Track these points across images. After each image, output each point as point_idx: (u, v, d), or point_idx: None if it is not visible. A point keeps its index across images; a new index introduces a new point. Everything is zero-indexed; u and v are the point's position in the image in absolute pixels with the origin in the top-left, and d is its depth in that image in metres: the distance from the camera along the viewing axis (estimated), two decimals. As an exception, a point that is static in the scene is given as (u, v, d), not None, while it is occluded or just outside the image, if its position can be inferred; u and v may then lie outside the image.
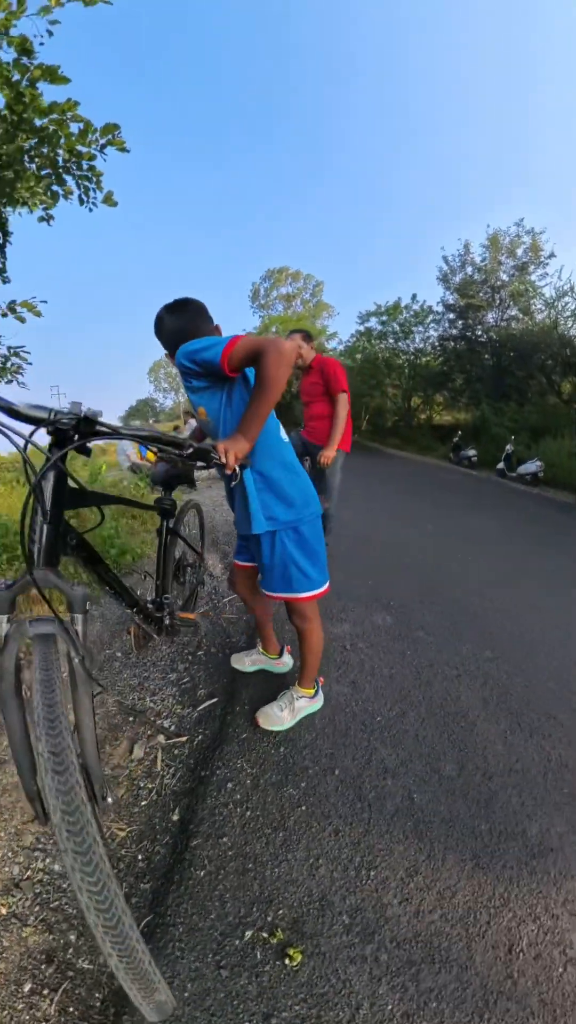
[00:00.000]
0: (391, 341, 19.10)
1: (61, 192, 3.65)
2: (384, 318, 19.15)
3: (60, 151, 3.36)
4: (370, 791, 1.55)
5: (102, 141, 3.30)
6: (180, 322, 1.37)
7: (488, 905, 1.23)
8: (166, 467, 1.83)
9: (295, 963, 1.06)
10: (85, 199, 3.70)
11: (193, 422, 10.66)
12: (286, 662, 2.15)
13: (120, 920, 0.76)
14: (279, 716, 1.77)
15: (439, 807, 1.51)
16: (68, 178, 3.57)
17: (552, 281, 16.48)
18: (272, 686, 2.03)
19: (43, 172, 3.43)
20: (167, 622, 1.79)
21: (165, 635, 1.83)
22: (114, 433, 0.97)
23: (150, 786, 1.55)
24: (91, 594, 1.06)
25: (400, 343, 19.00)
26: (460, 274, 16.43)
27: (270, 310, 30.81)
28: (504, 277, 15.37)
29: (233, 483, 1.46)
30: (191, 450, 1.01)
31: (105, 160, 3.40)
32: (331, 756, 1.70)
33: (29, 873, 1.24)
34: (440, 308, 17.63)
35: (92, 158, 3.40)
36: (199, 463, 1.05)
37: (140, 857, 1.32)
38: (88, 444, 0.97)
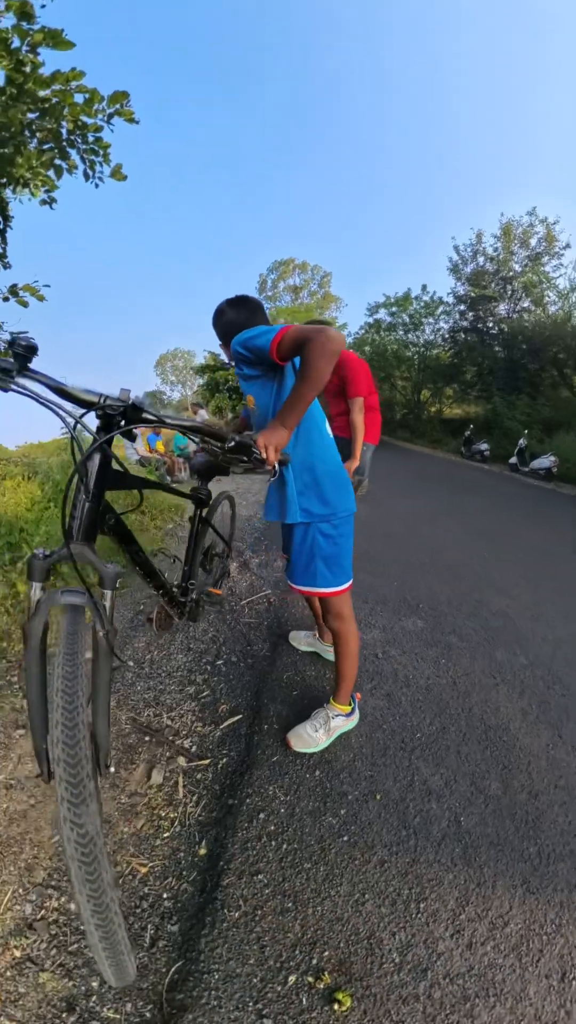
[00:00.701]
0: (400, 333, 18.79)
1: (65, 167, 3.43)
2: (394, 309, 18.80)
3: (64, 123, 3.16)
4: (415, 816, 1.43)
5: (110, 111, 3.08)
6: (239, 315, 1.43)
7: (540, 932, 1.16)
8: (205, 458, 1.82)
9: (345, 1008, 0.98)
10: (91, 174, 3.48)
11: (204, 412, 10.45)
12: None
13: (104, 891, 0.79)
14: (313, 737, 1.61)
15: (487, 829, 1.42)
16: (72, 152, 3.36)
17: (566, 272, 15.97)
18: (301, 701, 1.88)
19: (45, 147, 3.22)
20: (189, 607, 1.83)
21: (187, 619, 1.87)
22: (159, 421, 1.00)
23: (172, 815, 1.38)
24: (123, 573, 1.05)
25: (410, 335, 18.68)
26: (471, 264, 16.06)
27: (277, 302, 30.36)
28: (517, 268, 14.99)
29: (272, 479, 1.40)
30: (233, 443, 1.02)
31: (112, 131, 3.18)
32: (371, 779, 1.55)
33: (43, 912, 1.11)
34: (451, 299, 17.26)
35: (99, 130, 3.17)
36: (241, 457, 1.05)
37: (165, 896, 1.18)
38: (134, 430, 1.00)
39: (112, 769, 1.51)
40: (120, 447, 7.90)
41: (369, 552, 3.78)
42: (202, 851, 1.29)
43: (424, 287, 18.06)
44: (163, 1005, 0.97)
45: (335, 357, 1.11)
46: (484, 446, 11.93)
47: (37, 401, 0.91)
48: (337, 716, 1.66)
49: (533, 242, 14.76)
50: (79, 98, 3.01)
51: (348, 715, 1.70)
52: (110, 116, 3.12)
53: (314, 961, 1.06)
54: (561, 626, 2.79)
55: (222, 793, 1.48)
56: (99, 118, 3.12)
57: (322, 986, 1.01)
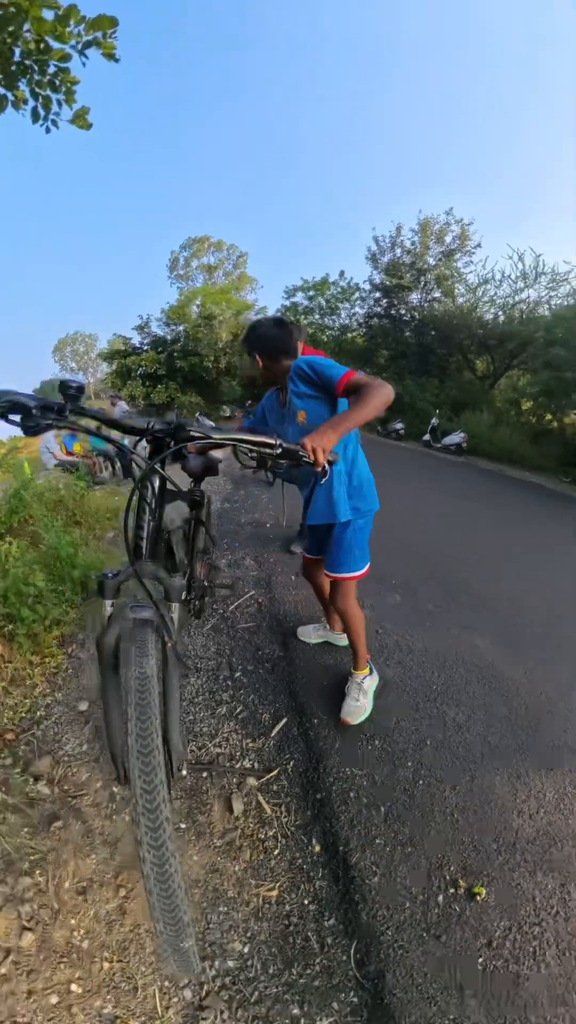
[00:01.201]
0: (317, 316, 19.07)
1: (10, 99, 2.87)
2: (311, 293, 19.08)
3: (18, 44, 2.68)
4: (458, 746, 1.78)
5: (87, 38, 2.57)
6: (280, 334, 1.60)
7: (565, 794, 1.62)
8: (199, 459, 1.88)
9: (483, 896, 1.27)
10: (42, 114, 2.92)
11: (123, 404, 9.74)
12: (345, 641, 2.21)
13: (175, 892, 0.85)
14: (360, 705, 1.84)
15: (508, 740, 1.84)
16: (22, 82, 2.82)
17: (476, 269, 17.37)
18: (333, 685, 2.03)
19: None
20: (195, 605, 1.96)
21: (194, 615, 2.01)
22: (206, 438, 1.05)
23: (271, 833, 1.43)
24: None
25: (326, 319, 19.04)
26: (389, 255, 16.64)
27: (191, 281, 28.67)
28: (431, 261, 15.85)
29: (323, 480, 1.46)
30: (281, 449, 1.08)
31: (84, 64, 2.69)
32: (416, 731, 1.83)
33: (207, 988, 1.07)
34: (367, 286, 17.84)
35: (66, 59, 2.66)
36: (289, 461, 1.12)
37: (307, 902, 1.26)
38: (184, 450, 1.08)
39: (184, 772, 1.60)
40: (33, 447, 7.38)
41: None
42: (316, 848, 1.40)
43: (342, 273, 18.60)
44: (361, 985, 1.09)
45: (387, 404, 1.32)
46: (399, 425, 12.78)
47: (92, 435, 0.97)
48: (365, 679, 1.91)
49: (448, 239, 15.72)
50: (48, 14, 2.48)
51: (371, 674, 1.95)
52: (86, 45, 2.60)
53: (447, 877, 1.31)
54: (508, 574, 3.37)
55: (305, 793, 1.57)
56: (71, 44, 2.60)
57: (462, 890, 1.28)
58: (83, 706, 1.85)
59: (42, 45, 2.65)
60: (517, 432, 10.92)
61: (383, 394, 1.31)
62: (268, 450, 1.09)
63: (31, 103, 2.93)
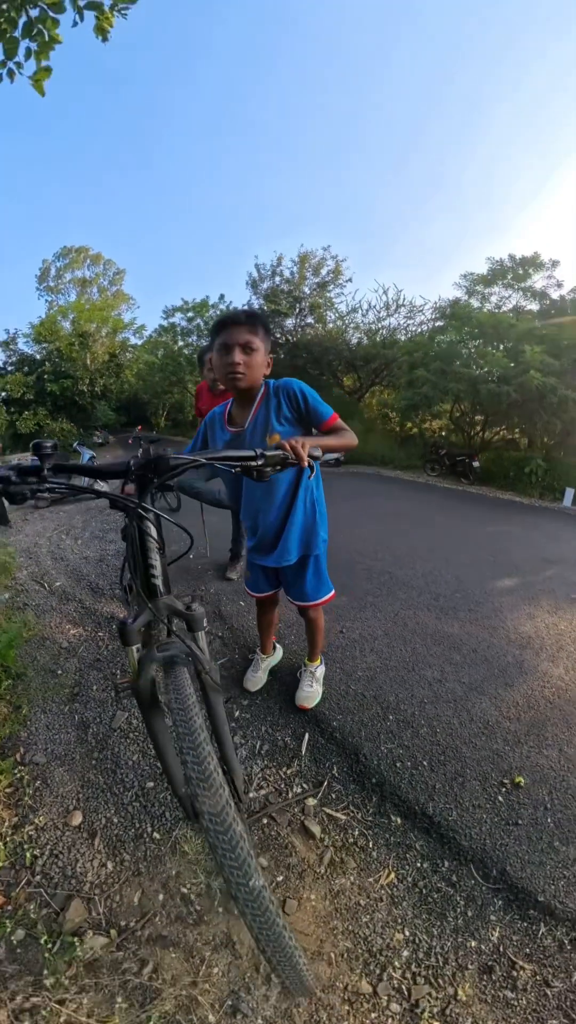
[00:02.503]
0: (194, 338, 19.39)
1: None
2: (191, 315, 19.30)
3: None
4: (447, 693, 2.23)
5: None
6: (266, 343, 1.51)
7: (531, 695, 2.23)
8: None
9: (523, 782, 1.71)
10: (3, 61, 2.49)
11: None
12: (279, 651, 2.43)
13: (267, 909, 0.86)
14: (315, 691, 2.10)
15: (475, 676, 2.41)
16: None
17: (346, 299, 19.37)
18: (340, 686, 2.23)
19: None
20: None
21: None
22: (190, 462, 1.04)
23: (356, 833, 1.54)
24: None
25: (204, 340, 19.41)
26: (268, 282, 17.65)
27: (62, 294, 26.30)
28: (307, 291, 17.27)
29: (310, 476, 1.67)
30: (263, 459, 1.11)
31: (76, 24, 2.37)
32: (413, 696, 2.21)
33: None
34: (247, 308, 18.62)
35: (60, 8, 2.34)
36: (273, 466, 1.14)
37: (420, 864, 1.45)
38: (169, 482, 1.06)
39: (251, 795, 1.64)
40: None
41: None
42: (398, 821, 1.59)
43: (222, 296, 19.26)
44: (496, 891, 1.36)
45: (350, 450, 1.53)
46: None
47: (75, 490, 0.96)
48: (318, 668, 2.18)
49: (324, 272, 17.28)
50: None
51: (321, 664, 2.24)
52: (87, 6, 2.34)
53: (495, 782, 1.71)
54: (405, 551, 3.93)
55: (362, 785, 1.72)
56: None
57: (509, 785, 1.70)
58: (76, 819, 1.57)
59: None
60: (386, 439, 12.56)
61: (354, 442, 1.51)
62: (251, 462, 1.10)
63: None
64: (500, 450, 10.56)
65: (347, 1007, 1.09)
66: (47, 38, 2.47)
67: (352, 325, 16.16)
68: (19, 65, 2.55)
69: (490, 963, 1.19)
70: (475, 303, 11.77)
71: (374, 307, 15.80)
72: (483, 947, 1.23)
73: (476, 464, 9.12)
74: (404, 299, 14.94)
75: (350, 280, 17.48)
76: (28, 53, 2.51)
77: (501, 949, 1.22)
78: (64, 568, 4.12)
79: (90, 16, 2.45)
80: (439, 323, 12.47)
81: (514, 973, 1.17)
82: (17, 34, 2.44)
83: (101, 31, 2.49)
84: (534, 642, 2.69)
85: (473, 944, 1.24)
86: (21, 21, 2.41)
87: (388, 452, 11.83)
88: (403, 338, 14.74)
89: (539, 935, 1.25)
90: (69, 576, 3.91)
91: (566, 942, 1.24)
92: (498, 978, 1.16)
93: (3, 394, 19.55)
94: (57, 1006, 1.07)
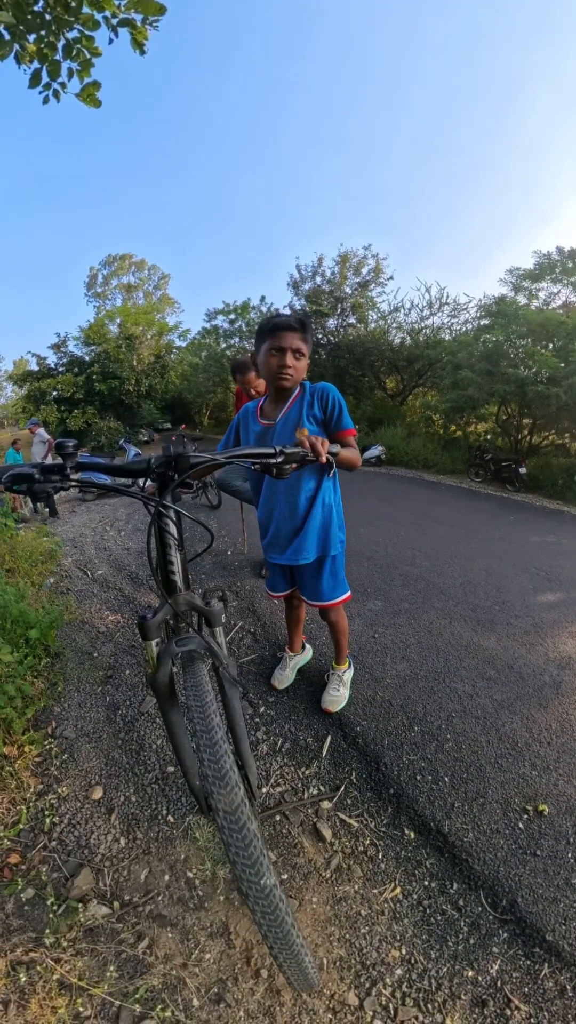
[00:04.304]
0: (237, 340, 19.63)
1: (16, 49, 2.47)
2: (232, 317, 19.61)
3: None
4: (476, 709, 2.13)
5: (124, 15, 2.36)
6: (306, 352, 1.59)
7: (566, 718, 2.09)
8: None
9: (546, 810, 1.61)
10: (45, 80, 2.54)
11: (43, 432, 9.10)
12: (309, 651, 2.44)
13: (277, 907, 0.86)
14: (340, 695, 2.08)
15: (507, 694, 2.27)
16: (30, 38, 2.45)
17: (388, 299, 19.01)
18: (359, 690, 2.20)
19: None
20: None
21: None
22: (211, 460, 1.04)
23: (367, 842, 1.52)
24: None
25: (246, 342, 19.65)
26: (310, 283, 17.64)
27: (109, 300, 27.60)
28: (348, 291, 17.09)
29: (330, 473, 1.68)
30: (282, 456, 1.13)
31: (112, 41, 2.45)
32: (441, 709, 2.13)
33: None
34: (287, 311, 18.69)
35: (95, 26, 2.41)
36: (293, 463, 1.16)
37: (427, 882, 1.40)
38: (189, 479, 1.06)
39: (265, 790, 1.64)
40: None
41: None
42: (411, 835, 1.53)
43: (263, 298, 19.47)
44: (503, 921, 1.28)
45: (353, 467, 1.59)
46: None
47: (98, 487, 0.98)
48: (346, 672, 2.15)
49: (364, 271, 17.04)
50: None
51: (350, 667, 2.21)
52: (120, 23, 2.41)
53: (517, 808, 1.61)
54: (451, 565, 3.82)
55: (379, 794, 1.68)
56: (104, 14, 2.38)
57: (532, 812, 1.60)
58: (97, 793, 1.65)
59: (73, 3, 2.40)
60: (429, 442, 12.26)
61: (359, 461, 1.61)
62: (270, 460, 1.12)
63: (35, 64, 2.57)
64: (548, 456, 10.09)
65: (330, 1015, 1.09)
66: (87, 56, 2.58)
67: (395, 325, 15.92)
68: (63, 85, 2.67)
69: (485, 997, 1.13)
70: (522, 300, 11.33)
71: (416, 306, 15.47)
72: (480, 979, 1.17)
73: (523, 470, 8.72)
74: (447, 297, 14.61)
75: (391, 278, 17.21)
76: (71, 73, 2.63)
77: (498, 984, 1.16)
78: (106, 558, 4.31)
79: (125, 33, 2.55)
80: (484, 322, 11.96)
81: (508, 1012, 1.10)
82: (59, 57, 2.57)
83: (138, 45, 2.57)
84: (575, 663, 2.53)
85: (470, 974, 1.18)
86: (60, 44, 2.54)
87: (431, 455, 11.56)
88: (447, 338, 14.37)
89: (541, 975, 1.17)
90: (111, 565, 4.09)
91: (568, 988, 1.15)
92: (490, 1014, 1.10)
93: (55, 393, 20.67)
94: (53, 963, 1.14)
